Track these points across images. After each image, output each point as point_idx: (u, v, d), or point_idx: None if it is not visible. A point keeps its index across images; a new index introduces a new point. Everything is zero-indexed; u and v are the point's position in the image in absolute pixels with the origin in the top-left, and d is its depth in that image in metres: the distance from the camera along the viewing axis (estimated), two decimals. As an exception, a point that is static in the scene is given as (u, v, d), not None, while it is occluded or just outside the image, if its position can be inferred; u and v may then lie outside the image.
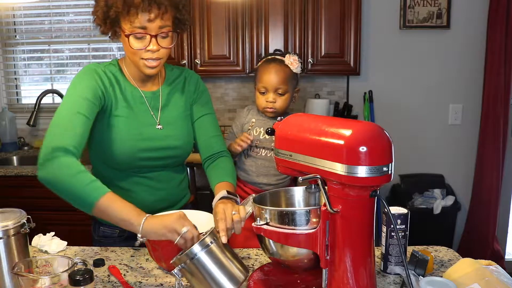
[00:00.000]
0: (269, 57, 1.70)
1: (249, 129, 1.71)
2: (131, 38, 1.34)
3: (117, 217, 1.20)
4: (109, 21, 1.35)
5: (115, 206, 1.21)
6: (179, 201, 1.61)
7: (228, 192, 1.34)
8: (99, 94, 1.38)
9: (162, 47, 1.36)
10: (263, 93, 1.66)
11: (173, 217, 1.16)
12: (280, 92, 1.64)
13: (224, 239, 1.13)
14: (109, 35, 1.43)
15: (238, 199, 1.34)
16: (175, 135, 1.50)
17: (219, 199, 1.31)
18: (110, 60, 1.53)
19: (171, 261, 1.08)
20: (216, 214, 1.22)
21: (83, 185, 1.22)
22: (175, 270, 1.05)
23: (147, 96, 1.49)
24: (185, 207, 1.62)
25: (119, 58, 1.53)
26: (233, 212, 1.21)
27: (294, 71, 1.65)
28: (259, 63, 1.71)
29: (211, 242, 1.07)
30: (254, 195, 1.26)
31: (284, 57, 1.65)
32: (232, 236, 1.33)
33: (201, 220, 1.37)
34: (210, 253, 1.06)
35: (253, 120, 1.72)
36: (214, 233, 1.11)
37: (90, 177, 1.24)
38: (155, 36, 1.33)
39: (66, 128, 1.29)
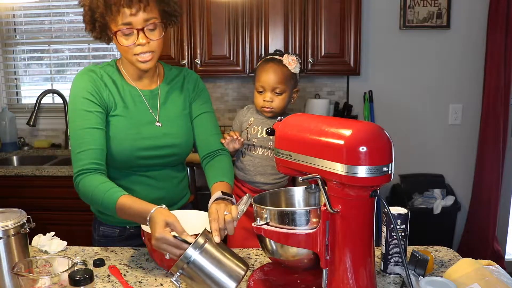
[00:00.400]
0: (268, 57, 1.70)
1: (247, 127, 1.71)
2: (119, 36, 1.35)
3: (133, 219, 1.29)
4: (97, 25, 1.38)
5: (126, 212, 1.28)
6: (179, 200, 1.61)
7: (224, 193, 1.34)
8: (98, 101, 1.41)
9: (152, 40, 1.36)
10: (261, 92, 1.67)
11: (153, 237, 1.15)
12: (277, 92, 1.64)
13: (217, 239, 1.13)
14: (105, 40, 1.45)
15: (234, 200, 1.34)
16: (174, 133, 1.50)
17: (214, 200, 1.31)
18: (110, 60, 1.54)
19: (170, 270, 1.08)
20: (210, 215, 1.22)
21: (102, 198, 1.31)
22: (174, 278, 1.04)
23: (145, 95, 1.49)
24: (185, 206, 1.62)
25: (118, 58, 1.54)
26: (226, 213, 1.21)
27: (292, 71, 1.65)
28: (258, 63, 1.72)
29: (205, 243, 1.07)
30: (248, 194, 1.26)
31: (282, 57, 1.66)
32: (231, 236, 1.33)
33: (201, 220, 1.37)
34: (206, 254, 1.06)
35: (252, 118, 1.72)
36: (206, 234, 1.11)
37: (105, 187, 1.31)
38: (142, 30, 1.34)
39: (81, 147, 1.37)
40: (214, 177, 1.47)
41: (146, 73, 1.49)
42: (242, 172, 1.73)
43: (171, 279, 1.05)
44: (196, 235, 1.12)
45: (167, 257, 1.14)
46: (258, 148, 1.69)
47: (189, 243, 1.09)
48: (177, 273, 1.05)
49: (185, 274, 1.05)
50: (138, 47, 1.35)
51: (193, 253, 1.05)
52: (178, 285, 1.05)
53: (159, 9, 1.38)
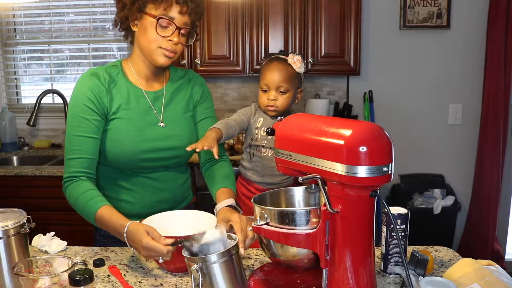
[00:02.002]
0: (273, 56, 1.70)
1: (257, 127, 1.70)
2: (157, 24, 1.37)
3: (110, 232, 1.33)
4: (137, 4, 1.39)
5: (103, 224, 1.33)
6: (182, 201, 1.62)
7: (235, 204, 1.37)
8: (97, 109, 1.41)
9: (180, 43, 1.41)
10: (265, 91, 1.66)
11: (139, 250, 1.20)
12: (281, 91, 1.64)
13: (242, 251, 1.13)
14: (119, 25, 1.46)
15: (241, 211, 1.36)
16: (177, 135, 1.50)
17: (226, 206, 1.34)
18: (110, 60, 1.54)
19: (186, 259, 1.06)
20: (234, 223, 1.23)
21: (83, 207, 1.36)
22: (195, 267, 1.03)
23: (150, 96, 1.49)
24: (188, 207, 1.62)
25: (119, 58, 1.54)
26: (249, 228, 1.22)
27: (297, 70, 1.65)
28: (263, 62, 1.72)
29: (234, 253, 1.06)
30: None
31: (288, 56, 1.66)
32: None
33: (203, 221, 1.37)
34: (229, 264, 1.05)
35: (261, 119, 1.71)
36: (238, 245, 1.10)
37: (89, 195, 1.35)
38: (179, 29, 1.39)
39: (74, 153, 1.40)
40: (219, 182, 1.48)
41: (154, 74, 1.50)
42: (250, 173, 1.72)
43: (192, 267, 1.03)
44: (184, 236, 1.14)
45: (161, 261, 1.18)
46: (268, 150, 1.68)
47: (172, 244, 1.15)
48: (198, 264, 1.03)
49: (203, 269, 1.03)
50: (168, 42, 1.39)
51: (216, 259, 1.03)
52: (199, 274, 1.03)
53: (192, 23, 1.45)
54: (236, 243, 1.09)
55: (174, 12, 1.37)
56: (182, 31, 1.40)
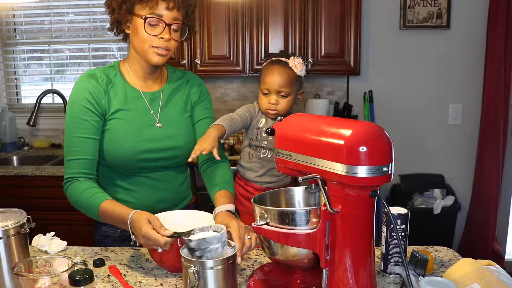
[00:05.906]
0: (274, 58, 1.68)
1: (258, 127, 1.69)
2: (146, 23, 1.37)
3: (115, 223, 1.34)
4: (124, 7, 1.39)
5: (108, 216, 1.34)
6: (182, 201, 1.61)
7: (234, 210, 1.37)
8: (96, 109, 1.42)
9: (173, 39, 1.41)
10: (266, 94, 1.65)
11: (139, 237, 1.21)
12: (282, 94, 1.63)
13: (239, 260, 1.12)
14: (115, 30, 1.46)
15: (239, 218, 1.35)
16: (175, 135, 1.50)
17: (224, 211, 1.33)
18: (110, 60, 1.54)
19: (183, 259, 1.06)
20: (232, 230, 1.22)
21: (85, 204, 1.37)
22: (193, 269, 1.03)
23: (147, 97, 1.49)
24: (187, 207, 1.62)
25: (119, 58, 1.54)
26: (248, 237, 1.22)
27: (298, 73, 1.63)
28: (263, 64, 1.69)
29: (232, 260, 1.06)
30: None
31: (289, 59, 1.64)
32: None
33: (202, 221, 1.37)
34: (225, 271, 1.05)
35: (263, 120, 1.70)
36: (236, 254, 1.10)
37: (90, 192, 1.36)
38: (169, 26, 1.38)
39: (73, 154, 1.41)
40: (218, 184, 1.48)
41: (151, 74, 1.50)
42: (248, 172, 1.71)
43: (189, 270, 1.03)
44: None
45: (159, 250, 1.19)
46: (268, 151, 1.68)
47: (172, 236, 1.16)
48: (196, 267, 1.03)
49: (200, 271, 1.03)
50: (160, 40, 1.39)
51: (214, 265, 1.03)
52: (195, 278, 1.03)
53: (183, 17, 1.44)
54: (236, 252, 1.09)
55: (161, 9, 1.37)
56: (173, 27, 1.40)
